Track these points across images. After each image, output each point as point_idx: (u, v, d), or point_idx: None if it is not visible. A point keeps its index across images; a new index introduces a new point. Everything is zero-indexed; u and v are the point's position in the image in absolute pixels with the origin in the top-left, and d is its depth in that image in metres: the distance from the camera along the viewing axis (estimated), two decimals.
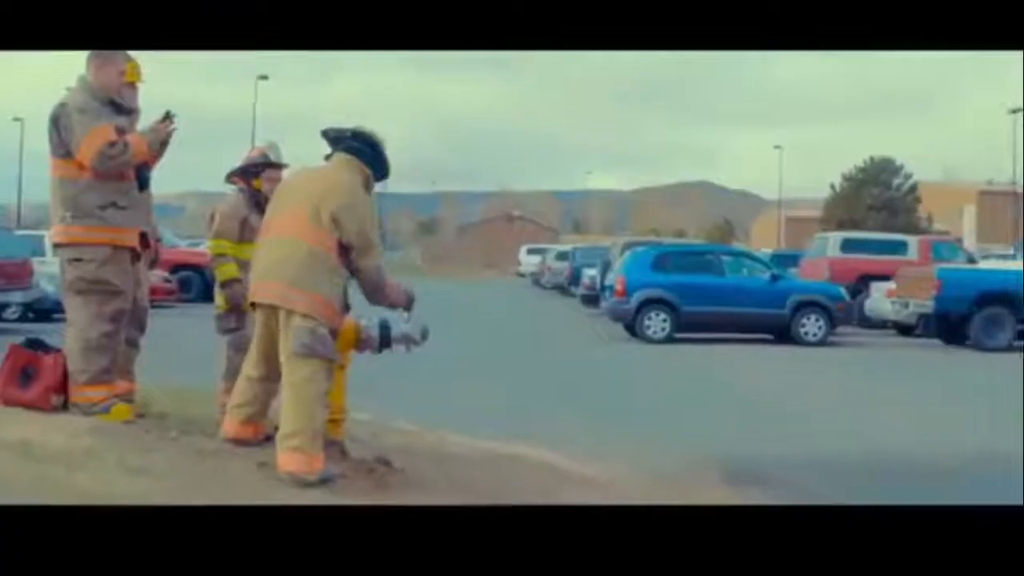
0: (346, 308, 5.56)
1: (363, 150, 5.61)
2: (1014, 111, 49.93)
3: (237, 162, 7.03)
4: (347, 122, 5.73)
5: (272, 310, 5.47)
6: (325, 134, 5.69)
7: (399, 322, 5.88)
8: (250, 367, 5.74)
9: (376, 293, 5.57)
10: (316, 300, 5.33)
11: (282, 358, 5.40)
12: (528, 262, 55.53)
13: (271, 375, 5.55)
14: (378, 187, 5.82)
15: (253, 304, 5.63)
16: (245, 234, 6.67)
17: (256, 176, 6.90)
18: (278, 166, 6.93)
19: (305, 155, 5.81)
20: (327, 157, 5.70)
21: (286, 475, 5.22)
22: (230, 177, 7.01)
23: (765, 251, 34.09)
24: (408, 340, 5.88)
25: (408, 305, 5.77)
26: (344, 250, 5.41)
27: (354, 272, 5.48)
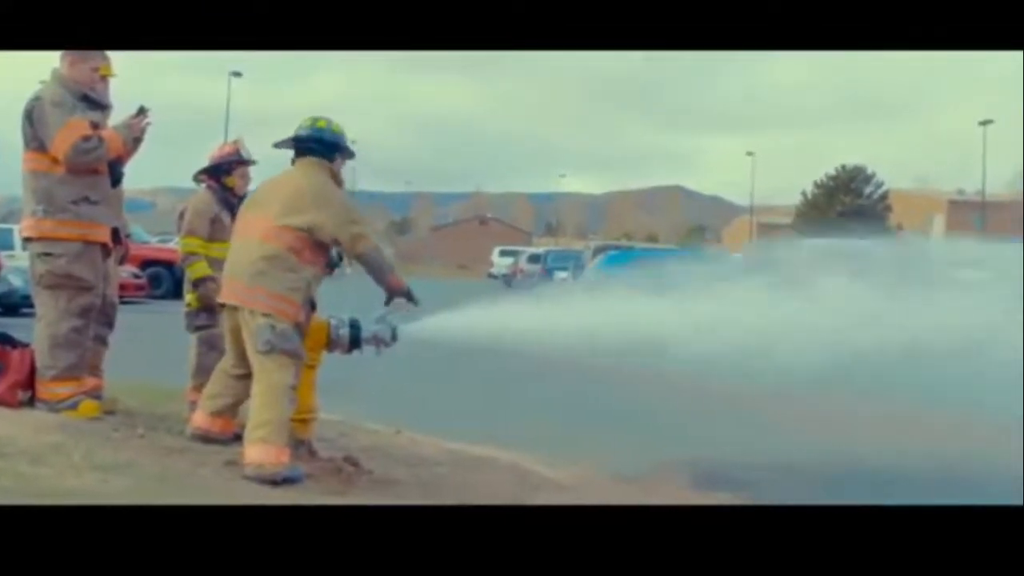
0: (311, 305, 5.59)
1: (317, 148, 5.72)
2: (984, 123, 50.51)
3: (207, 160, 7.01)
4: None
5: (236, 309, 5.57)
6: (278, 147, 5.82)
7: (370, 322, 5.90)
8: (228, 363, 5.83)
9: (381, 275, 5.65)
10: (274, 297, 5.44)
11: (250, 357, 5.50)
12: (501, 264, 55.85)
13: (248, 373, 5.59)
14: (349, 184, 5.88)
15: (222, 304, 5.73)
16: (216, 232, 6.68)
17: (228, 173, 6.89)
18: (249, 162, 6.94)
19: (278, 153, 5.84)
20: (293, 161, 5.82)
21: (252, 469, 5.25)
22: (198, 176, 6.98)
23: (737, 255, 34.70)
24: (379, 341, 5.89)
25: (408, 296, 5.74)
26: (314, 248, 5.52)
27: (357, 261, 5.65)
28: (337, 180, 5.75)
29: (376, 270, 5.62)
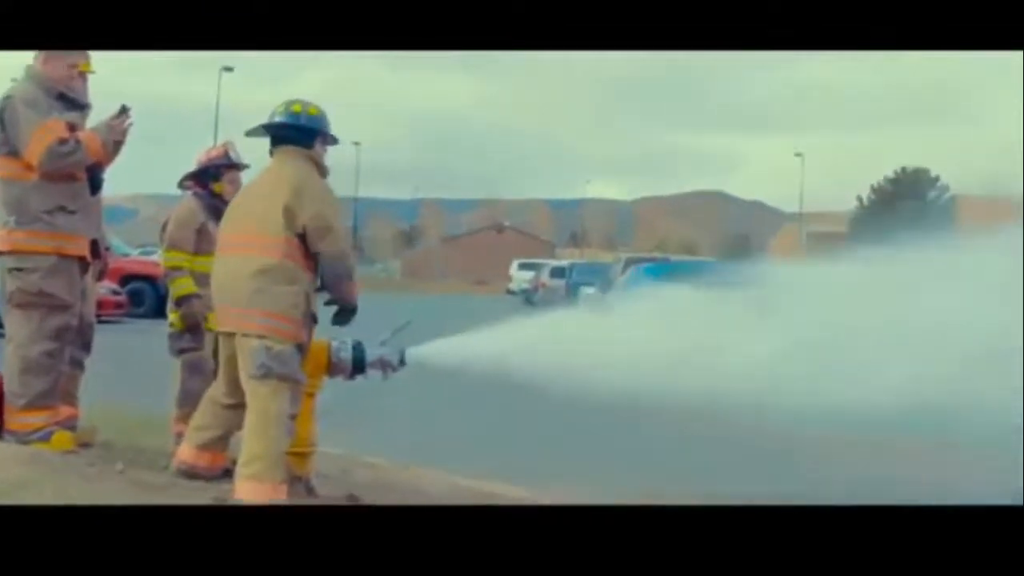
0: (312, 319, 5.60)
1: (294, 136, 5.71)
2: None
3: (194, 163, 7.03)
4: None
5: (233, 336, 5.60)
6: (250, 135, 5.83)
7: (375, 344, 5.93)
8: (218, 391, 5.84)
9: (338, 284, 5.61)
10: (271, 317, 5.44)
11: (243, 383, 5.51)
12: (520, 278, 55.82)
13: (240, 403, 5.61)
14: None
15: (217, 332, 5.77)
16: (203, 244, 6.68)
17: (216, 178, 6.92)
18: (239, 166, 6.96)
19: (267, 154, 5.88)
20: (271, 153, 5.82)
21: None
22: (184, 181, 6.99)
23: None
24: (385, 365, 5.94)
25: (352, 312, 5.73)
26: (306, 250, 5.52)
27: (315, 257, 5.55)
28: (321, 169, 5.75)
29: (337, 274, 5.58)
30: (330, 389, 6.16)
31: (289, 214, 5.46)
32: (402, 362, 5.97)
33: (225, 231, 5.75)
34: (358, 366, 5.90)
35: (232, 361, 5.62)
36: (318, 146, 5.76)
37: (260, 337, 5.43)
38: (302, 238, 5.48)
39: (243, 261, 5.51)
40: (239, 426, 5.62)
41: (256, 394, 5.43)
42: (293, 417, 5.49)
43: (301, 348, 5.53)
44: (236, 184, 6.85)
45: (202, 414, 5.91)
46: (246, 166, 6.95)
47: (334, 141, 5.88)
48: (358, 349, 5.90)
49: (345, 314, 5.67)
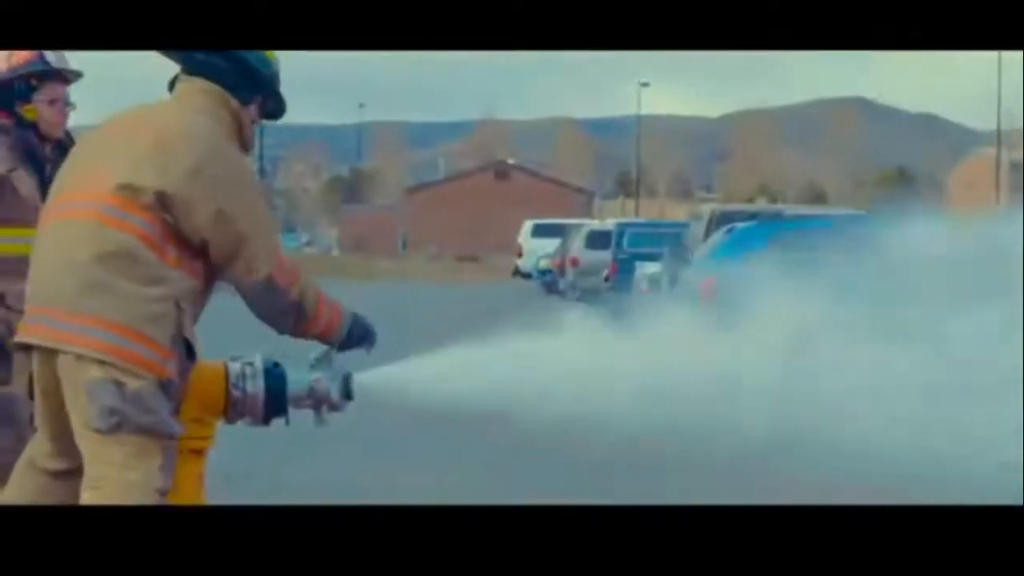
0: (186, 350, 3.87)
1: (220, 64, 3.98)
2: None
3: None
4: None
5: (51, 354, 3.84)
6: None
7: (302, 366, 4.13)
8: (36, 452, 4.06)
9: (274, 324, 4.00)
10: (117, 330, 3.73)
11: (76, 434, 3.81)
12: (535, 250, 38.49)
13: (75, 466, 3.90)
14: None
15: (24, 347, 3.97)
16: (7, 207, 4.87)
17: (24, 97, 4.96)
18: (64, 77, 5.05)
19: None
20: (171, 85, 4.10)
21: None
22: None
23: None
24: (318, 399, 4.13)
25: (361, 339, 4.15)
26: (182, 243, 3.84)
27: (242, 295, 3.96)
28: (243, 135, 4.04)
29: (272, 310, 3.94)
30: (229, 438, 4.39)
31: (169, 202, 3.79)
32: (347, 394, 4.17)
33: (57, 186, 4.01)
34: (275, 402, 4.06)
35: (50, 396, 3.89)
36: (253, 107, 4.07)
37: (101, 363, 3.73)
38: (178, 225, 3.80)
39: (83, 234, 3.79)
40: (72, 503, 3.86)
41: (100, 458, 3.73)
42: (164, 493, 3.77)
43: (167, 387, 3.81)
44: (60, 109, 4.99)
45: (13, 485, 4.07)
46: (77, 75, 5.10)
47: (275, 110, 4.17)
48: (275, 375, 4.06)
49: (345, 347, 4.11)
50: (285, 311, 3.97)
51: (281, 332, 4.05)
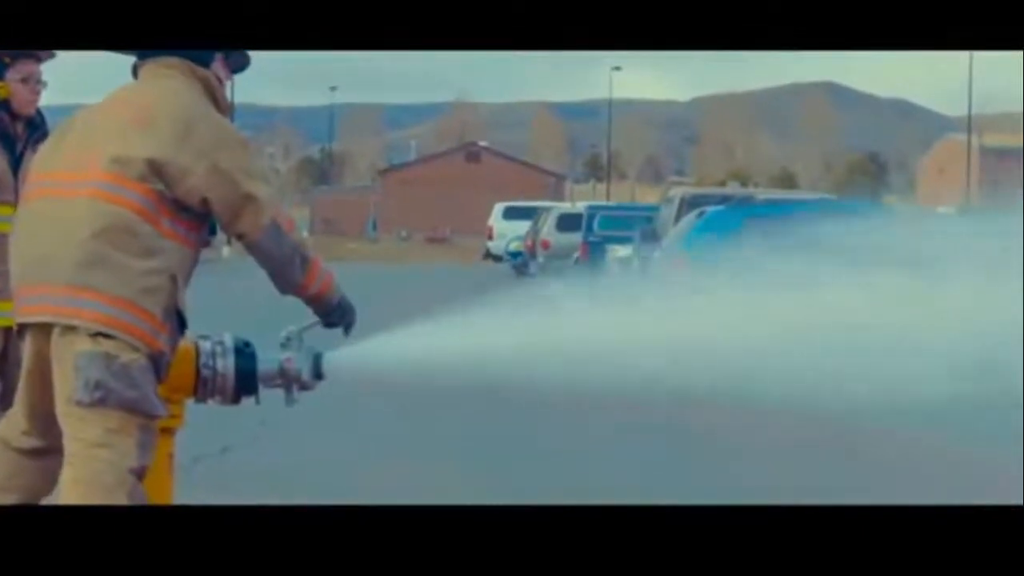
0: (179, 320, 3.89)
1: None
2: None
3: None
4: None
5: (44, 332, 3.83)
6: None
7: (273, 346, 4.13)
8: (10, 430, 4.03)
9: (284, 274, 3.98)
10: (114, 303, 3.72)
11: (58, 411, 3.78)
12: (506, 232, 39.36)
13: (49, 445, 3.90)
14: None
15: (19, 328, 3.95)
16: None
17: None
18: (36, 56, 5.01)
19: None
20: (135, 70, 4.13)
21: None
22: None
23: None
24: (290, 378, 4.14)
25: (341, 312, 4.14)
26: (174, 211, 3.85)
27: (241, 242, 3.96)
28: (216, 96, 4.08)
29: (278, 260, 3.95)
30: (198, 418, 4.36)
31: (161, 167, 3.80)
32: (317, 373, 4.19)
33: (43, 166, 4.02)
34: (245, 382, 4.06)
35: (36, 377, 3.88)
36: (217, 66, 4.11)
37: (93, 337, 3.71)
38: (169, 193, 3.82)
39: (76, 210, 3.80)
40: (48, 488, 3.90)
41: (81, 434, 3.70)
42: (141, 474, 3.75)
43: (158, 362, 3.82)
44: (32, 87, 4.98)
45: None
46: (50, 54, 5.07)
47: (242, 63, 4.23)
48: (245, 354, 4.07)
49: (335, 316, 4.11)
50: (292, 254, 3.97)
51: (290, 285, 4.04)
